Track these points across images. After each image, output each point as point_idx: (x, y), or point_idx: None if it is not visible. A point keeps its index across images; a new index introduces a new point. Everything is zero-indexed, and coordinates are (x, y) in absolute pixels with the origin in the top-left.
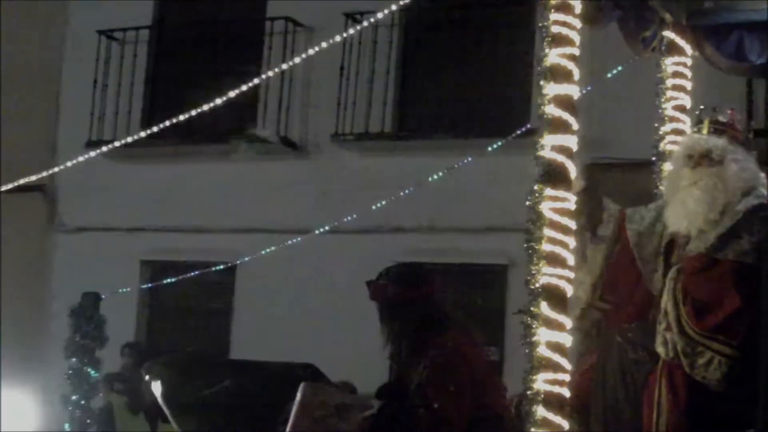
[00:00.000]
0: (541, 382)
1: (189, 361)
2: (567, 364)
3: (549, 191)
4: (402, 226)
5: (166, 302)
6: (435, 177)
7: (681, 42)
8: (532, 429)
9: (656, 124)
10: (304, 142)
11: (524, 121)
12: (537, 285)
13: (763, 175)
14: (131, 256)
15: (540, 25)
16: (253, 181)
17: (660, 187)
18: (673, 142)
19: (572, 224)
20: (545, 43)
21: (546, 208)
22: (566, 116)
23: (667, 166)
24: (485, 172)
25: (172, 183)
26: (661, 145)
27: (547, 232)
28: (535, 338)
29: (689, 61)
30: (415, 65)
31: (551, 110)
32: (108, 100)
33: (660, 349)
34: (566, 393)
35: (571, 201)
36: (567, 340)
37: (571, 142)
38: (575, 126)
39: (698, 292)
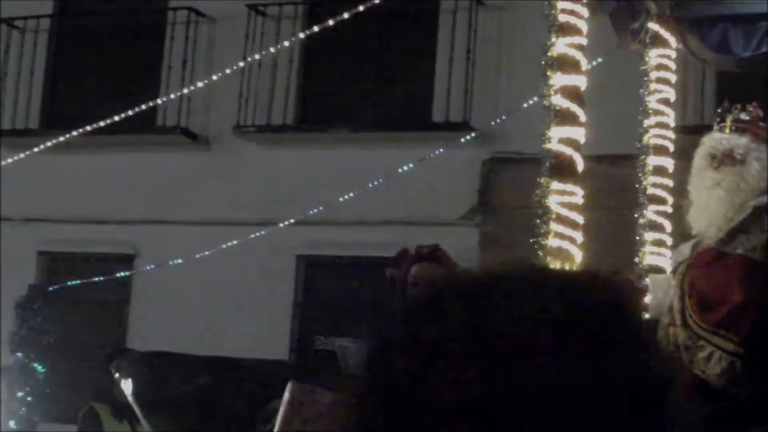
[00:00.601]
0: None
1: (162, 358)
2: None
3: (556, 185)
4: (301, 218)
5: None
6: (382, 179)
7: (666, 34)
8: None
9: (640, 117)
10: (205, 133)
11: (426, 116)
12: None
13: None
14: (27, 247)
15: (546, 13)
16: (153, 173)
17: (643, 181)
18: (658, 136)
19: (580, 219)
20: (551, 32)
21: (553, 202)
22: (574, 107)
23: (650, 160)
24: (384, 166)
25: (71, 173)
26: (645, 138)
27: (554, 227)
28: None
29: (674, 54)
30: (318, 58)
31: (559, 101)
32: (7, 88)
33: (663, 344)
34: None
35: (578, 195)
36: None
37: (579, 134)
38: (583, 118)
39: (704, 285)
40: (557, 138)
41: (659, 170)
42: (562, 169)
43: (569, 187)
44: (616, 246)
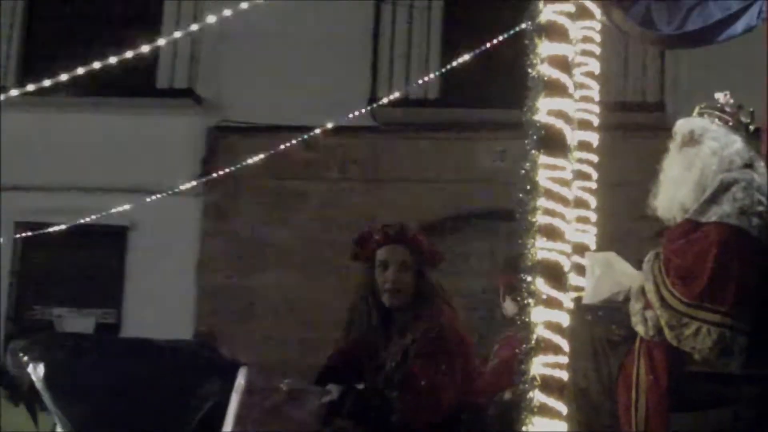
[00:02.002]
0: (539, 366)
1: (77, 341)
2: (566, 346)
3: (544, 159)
4: (20, 184)
5: None
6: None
7: (591, 5)
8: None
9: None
10: None
11: (150, 82)
12: (533, 260)
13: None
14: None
15: None
16: None
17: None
18: (582, 110)
19: (570, 194)
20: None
21: (542, 177)
22: (564, 78)
23: (577, 135)
24: (104, 132)
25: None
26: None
27: (543, 202)
28: (531, 318)
29: (598, 26)
30: (43, 21)
31: (547, 71)
32: None
33: (639, 328)
34: (565, 376)
35: (568, 170)
36: (565, 319)
37: (568, 106)
38: (572, 89)
39: (681, 258)
40: (545, 110)
41: (584, 145)
42: (551, 142)
43: (559, 161)
44: None
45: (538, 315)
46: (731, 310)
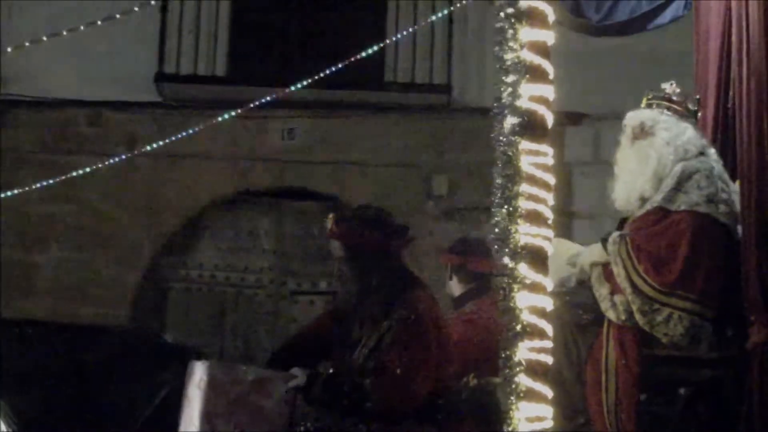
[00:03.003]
0: (524, 351)
1: (24, 327)
2: (550, 330)
3: (526, 144)
4: None
5: None
6: None
7: None
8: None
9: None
10: None
11: None
12: (516, 245)
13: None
14: None
15: None
16: None
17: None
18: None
19: (552, 180)
20: None
21: (525, 162)
22: (545, 63)
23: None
24: None
25: None
26: (504, 96)
27: (526, 188)
28: (515, 303)
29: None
30: None
31: (528, 56)
32: None
33: (610, 313)
34: (549, 360)
35: (549, 155)
36: (549, 303)
37: (549, 91)
38: (552, 74)
39: (652, 246)
40: (527, 95)
41: None
42: (534, 127)
43: (542, 147)
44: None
45: (522, 300)
46: (701, 297)
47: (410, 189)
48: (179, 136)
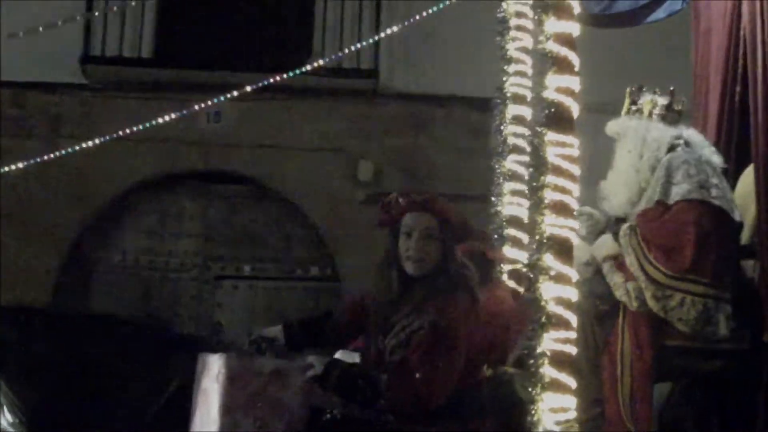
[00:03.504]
0: (549, 341)
1: (28, 315)
2: (575, 321)
3: (552, 136)
4: None
5: None
6: None
7: None
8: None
9: (502, 65)
10: None
11: None
12: (542, 236)
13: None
14: None
15: None
16: None
17: (503, 130)
18: (517, 84)
19: (578, 171)
20: None
21: (551, 153)
22: (571, 55)
23: (511, 109)
24: None
25: None
26: (506, 86)
27: (552, 179)
28: (540, 293)
29: (531, 1)
30: None
31: (555, 48)
32: None
33: (625, 300)
34: (573, 351)
35: (575, 146)
36: (574, 294)
37: (575, 83)
38: (578, 66)
39: (661, 237)
40: (554, 87)
41: (518, 119)
42: (560, 119)
43: (568, 138)
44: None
45: (548, 291)
46: (713, 281)
47: (336, 174)
48: (153, 123)
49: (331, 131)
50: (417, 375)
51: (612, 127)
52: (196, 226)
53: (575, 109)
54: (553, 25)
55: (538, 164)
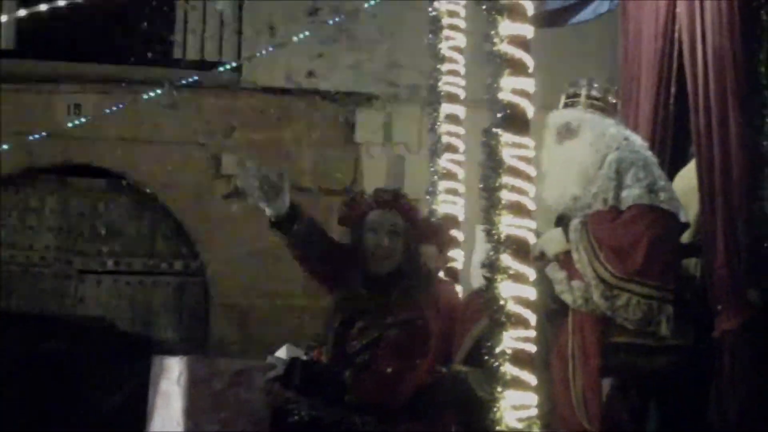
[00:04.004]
0: (509, 340)
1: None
2: (533, 319)
3: (508, 137)
4: None
5: None
6: None
7: None
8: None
9: (435, 63)
10: None
11: None
12: (500, 236)
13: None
14: None
15: None
16: None
17: (437, 129)
18: (450, 83)
19: (533, 171)
20: None
21: (507, 155)
22: (525, 57)
23: (445, 108)
24: None
25: None
26: (440, 84)
27: (509, 180)
28: (498, 293)
29: (463, 1)
30: None
31: (509, 50)
32: None
33: (566, 297)
34: (533, 348)
35: (530, 147)
36: (532, 293)
37: (530, 84)
38: (532, 68)
39: (612, 240)
40: (509, 89)
41: (452, 118)
42: (515, 120)
43: (524, 139)
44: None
45: (507, 290)
46: (658, 283)
47: (199, 167)
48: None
49: (194, 124)
50: (388, 370)
51: (565, 116)
52: (57, 220)
53: (530, 111)
54: (506, 27)
55: (495, 165)
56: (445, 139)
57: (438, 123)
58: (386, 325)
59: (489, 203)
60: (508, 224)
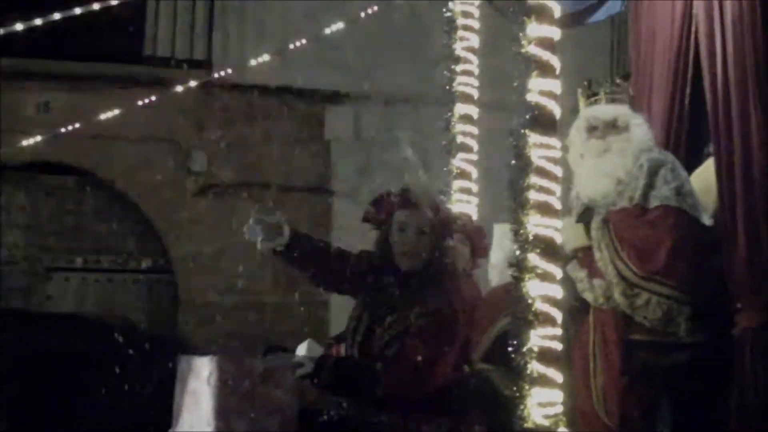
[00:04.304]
0: (536, 338)
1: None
2: (560, 317)
3: (535, 138)
4: None
5: None
6: None
7: None
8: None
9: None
10: None
11: None
12: (528, 236)
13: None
14: None
15: None
16: None
17: (452, 129)
18: (464, 84)
19: (560, 172)
20: None
21: (534, 155)
22: (552, 59)
23: (459, 108)
24: None
25: None
26: (454, 85)
27: (536, 180)
28: (526, 292)
29: (477, 2)
30: None
31: (537, 52)
32: None
33: (587, 295)
34: (559, 346)
35: (557, 148)
36: (558, 292)
37: (556, 86)
38: (558, 69)
39: (635, 238)
40: (537, 90)
41: (466, 118)
42: (543, 121)
43: (551, 140)
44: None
45: (535, 289)
46: (679, 285)
47: (169, 164)
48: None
49: (164, 121)
50: (418, 358)
51: (609, 112)
52: (25, 217)
53: (557, 112)
54: (534, 29)
55: (523, 166)
56: (459, 138)
57: (452, 123)
58: (414, 316)
59: (517, 203)
60: (535, 224)
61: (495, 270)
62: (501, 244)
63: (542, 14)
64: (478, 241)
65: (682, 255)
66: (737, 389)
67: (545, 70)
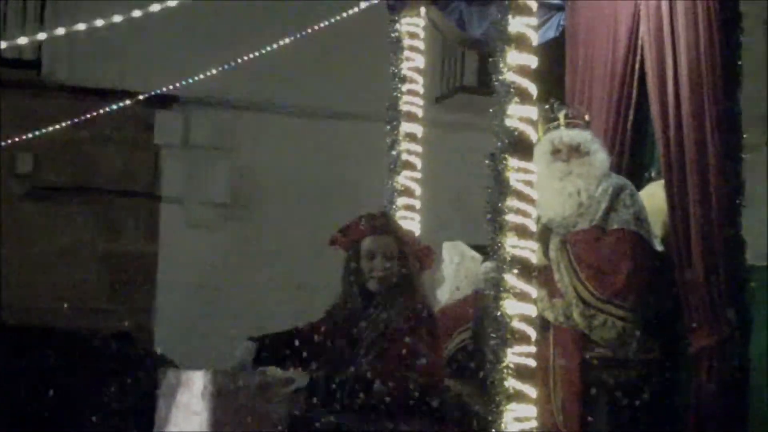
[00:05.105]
0: (512, 355)
1: None
2: (534, 335)
3: (514, 162)
4: None
5: None
6: None
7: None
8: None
9: (397, 83)
10: None
11: None
12: (505, 257)
13: None
14: None
15: None
16: None
17: (397, 147)
18: (409, 103)
19: (535, 195)
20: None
21: (513, 179)
22: (531, 86)
23: (405, 127)
24: None
25: None
26: (400, 104)
27: (513, 203)
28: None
29: (422, 22)
30: None
31: (516, 79)
32: None
33: (547, 314)
34: (534, 363)
35: (534, 172)
36: (533, 311)
37: (533, 112)
38: (535, 95)
39: (593, 260)
40: (516, 116)
41: (410, 137)
42: (521, 146)
43: (529, 165)
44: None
45: (511, 308)
46: (633, 307)
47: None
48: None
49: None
50: (403, 351)
51: (574, 138)
52: None
53: (533, 136)
54: (514, 57)
55: (502, 189)
56: (404, 156)
57: (397, 141)
58: (392, 317)
59: (495, 225)
60: (512, 245)
61: (445, 287)
62: (450, 260)
63: (522, 43)
64: (426, 260)
65: (637, 279)
66: (693, 405)
67: (524, 97)
